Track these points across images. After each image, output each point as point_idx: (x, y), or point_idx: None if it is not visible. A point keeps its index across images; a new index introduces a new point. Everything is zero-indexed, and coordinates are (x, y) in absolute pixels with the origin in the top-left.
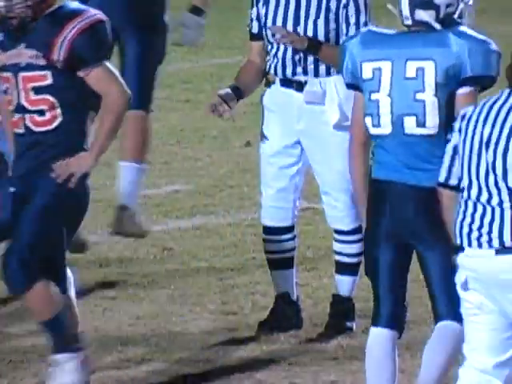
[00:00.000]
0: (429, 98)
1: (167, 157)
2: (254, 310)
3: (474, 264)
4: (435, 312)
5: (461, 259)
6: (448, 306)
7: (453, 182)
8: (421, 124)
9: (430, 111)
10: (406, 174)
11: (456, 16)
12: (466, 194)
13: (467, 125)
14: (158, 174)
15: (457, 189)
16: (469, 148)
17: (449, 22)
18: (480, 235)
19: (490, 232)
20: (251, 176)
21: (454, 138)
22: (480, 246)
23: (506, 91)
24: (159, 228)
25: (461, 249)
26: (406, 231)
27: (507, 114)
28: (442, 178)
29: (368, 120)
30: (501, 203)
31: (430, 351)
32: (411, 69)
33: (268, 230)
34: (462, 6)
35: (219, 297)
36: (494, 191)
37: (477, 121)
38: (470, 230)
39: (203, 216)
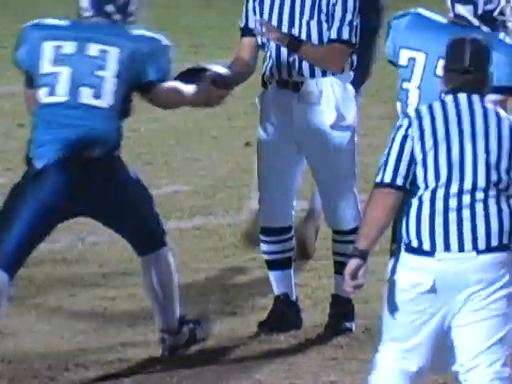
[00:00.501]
0: None
1: (167, 157)
2: (254, 311)
3: (447, 267)
4: None
5: (425, 262)
6: None
7: (399, 181)
8: None
9: None
10: None
11: (496, 13)
12: (429, 194)
13: (432, 123)
14: (158, 175)
15: (402, 189)
16: (432, 145)
17: (489, 19)
18: (462, 237)
19: (474, 233)
20: (251, 176)
21: (401, 137)
22: (462, 248)
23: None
24: None
25: (427, 252)
26: None
27: (482, 109)
28: (387, 178)
29: (398, 105)
30: (483, 202)
31: None
32: (440, 67)
33: (265, 231)
34: (503, 3)
35: (219, 297)
36: (478, 195)
37: (446, 120)
38: (447, 233)
39: (203, 216)
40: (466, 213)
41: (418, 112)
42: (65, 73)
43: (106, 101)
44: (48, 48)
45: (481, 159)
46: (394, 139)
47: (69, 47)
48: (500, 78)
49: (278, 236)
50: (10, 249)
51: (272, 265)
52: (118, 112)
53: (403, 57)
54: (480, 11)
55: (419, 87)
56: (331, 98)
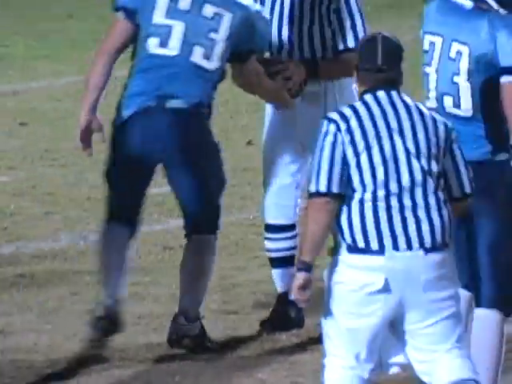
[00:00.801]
0: (462, 82)
1: None
2: (256, 310)
3: (398, 265)
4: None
5: (375, 261)
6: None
7: (335, 189)
8: (456, 105)
9: (463, 94)
10: None
11: None
12: (370, 195)
13: (360, 124)
14: (160, 173)
15: (338, 196)
16: (364, 146)
17: (509, 3)
18: (409, 236)
19: (419, 232)
20: (253, 175)
21: (330, 143)
22: (410, 247)
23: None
24: (160, 227)
25: (375, 251)
26: None
27: (407, 110)
28: (322, 187)
29: (425, 92)
30: (423, 198)
31: None
32: (453, 50)
33: (270, 228)
34: None
35: (221, 296)
36: (417, 191)
37: (374, 125)
38: (393, 232)
39: None
40: (409, 211)
41: (342, 115)
42: (178, 28)
43: (214, 64)
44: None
45: (413, 154)
46: (323, 146)
47: (184, 3)
48: (504, 59)
49: (282, 233)
50: (123, 202)
51: (275, 262)
52: (219, 75)
53: (426, 42)
54: None
55: (437, 71)
56: (335, 98)
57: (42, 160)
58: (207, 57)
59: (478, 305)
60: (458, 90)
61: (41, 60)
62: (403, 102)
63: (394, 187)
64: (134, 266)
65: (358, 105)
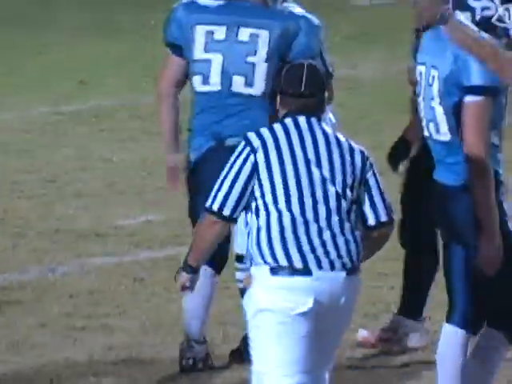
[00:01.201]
0: (437, 106)
1: (139, 187)
2: (226, 341)
3: (324, 286)
4: None
5: (302, 282)
6: None
7: (226, 212)
8: (437, 131)
9: (440, 119)
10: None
11: (494, 20)
12: (287, 218)
13: (277, 148)
14: (130, 205)
15: (228, 220)
16: (280, 170)
17: (488, 26)
18: (330, 258)
19: (340, 253)
20: None
21: (240, 165)
22: (333, 267)
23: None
24: (131, 258)
25: (302, 272)
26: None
27: (324, 135)
28: (215, 206)
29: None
30: (339, 225)
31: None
32: (431, 76)
33: (240, 258)
34: (501, 10)
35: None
36: (333, 215)
37: (290, 142)
38: (315, 254)
39: (175, 246)
40: (327, 235)
41: (260, 137)
42: (217, 60)
43: (258, 88)
44: (200, 33)
45: (329, 181)
46: (232, 166)
47: (220, 32)
48: (470, 78)
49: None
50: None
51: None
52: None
53: (417, 72)
54: (478, 18)
55: (423, 99)
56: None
57: (9, 192)
58: (250, 83)
59: (449, 321)
60: (435, 115)
61: (9, 92)
62: (322, 129)
63: (309, 213)
64: (104, 297)
65: (277, 127)
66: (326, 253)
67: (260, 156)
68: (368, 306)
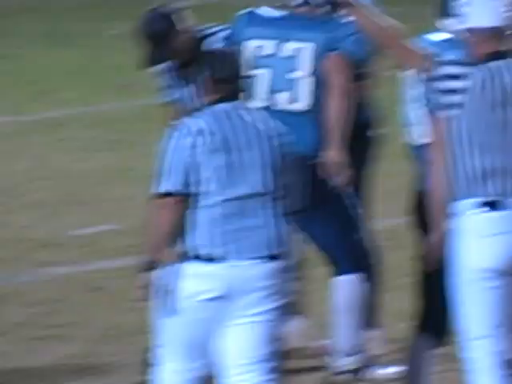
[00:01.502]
0: None
1: (98, 197)
2: None
3: (237, 273)
4: None
5: (217, 269)
6: None
7: (182, 189)
8: None
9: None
10: None
11: None
12: (213, 202)
13: (211, 131)
14: (89, 214)
15: (186, 196)
16: (212, 154)
17: None
18: (249, 245)
19: (259, 241)
20: None
21: (178, 145)
22: (250, 255)
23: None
24: (89, 268)
25: (218, 259)
26: None
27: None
28: (170, 187)
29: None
30: (263, 209)
31: None
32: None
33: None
34: None
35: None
36: (257, 196)
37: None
38: (234, 240)
39: (133, 255)
40: (250, 221)
41: (196, 123)
42: (263, 76)
43: (304, 103)
44: (250, 48)
45: (258, 165)
46: (173, 148)
47: (268, 47)
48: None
49: None
50: None
51: None
52: (318, 112)
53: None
54: None
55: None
56: None
57: None
58: (294, 99)
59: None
60: None
61: None
62: (249, 113)
63: (237, 196)
64: (63, 306)
65: (208, 112)
66: (246, 241)
67: (197, 141)
68: None
